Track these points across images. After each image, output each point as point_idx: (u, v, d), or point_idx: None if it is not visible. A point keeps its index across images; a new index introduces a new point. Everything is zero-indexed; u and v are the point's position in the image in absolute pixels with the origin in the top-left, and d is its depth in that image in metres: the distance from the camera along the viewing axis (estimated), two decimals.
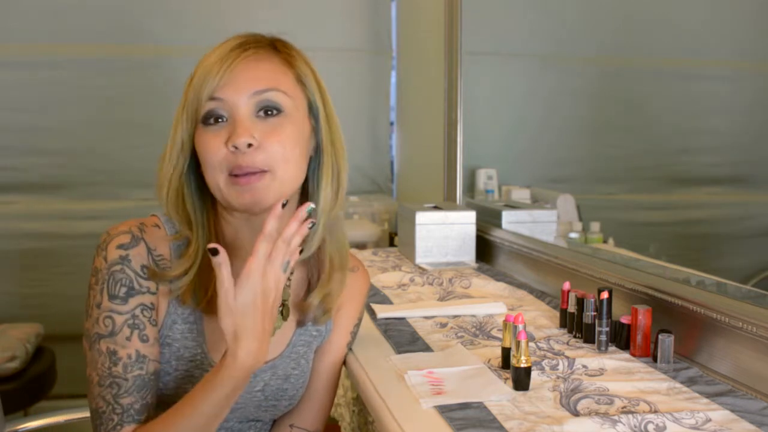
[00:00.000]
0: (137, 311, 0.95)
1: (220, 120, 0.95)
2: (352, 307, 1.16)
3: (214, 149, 0.94)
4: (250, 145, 0.93)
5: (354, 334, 1.18)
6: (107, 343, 0.94)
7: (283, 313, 1.06)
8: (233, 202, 0.95)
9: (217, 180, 0.95)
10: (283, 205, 0.91)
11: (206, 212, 1.01)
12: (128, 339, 0.94)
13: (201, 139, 0.96)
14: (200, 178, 1.00)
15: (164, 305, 0.99)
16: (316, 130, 1.02)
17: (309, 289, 1.09)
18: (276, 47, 1.00)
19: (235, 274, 1.03)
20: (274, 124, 0.96)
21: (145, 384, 0.95)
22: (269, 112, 0.96)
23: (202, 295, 0.98)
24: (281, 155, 0.95)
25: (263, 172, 0.94)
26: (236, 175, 0.94)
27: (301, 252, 1.06)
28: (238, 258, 1.03)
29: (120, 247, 0.96)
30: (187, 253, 0.98)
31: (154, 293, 0.97)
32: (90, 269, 0.98)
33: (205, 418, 0.91)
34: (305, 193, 1.04)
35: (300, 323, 1.09)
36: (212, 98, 0.94)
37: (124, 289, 0.95)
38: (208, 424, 0.92)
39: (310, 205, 0.93)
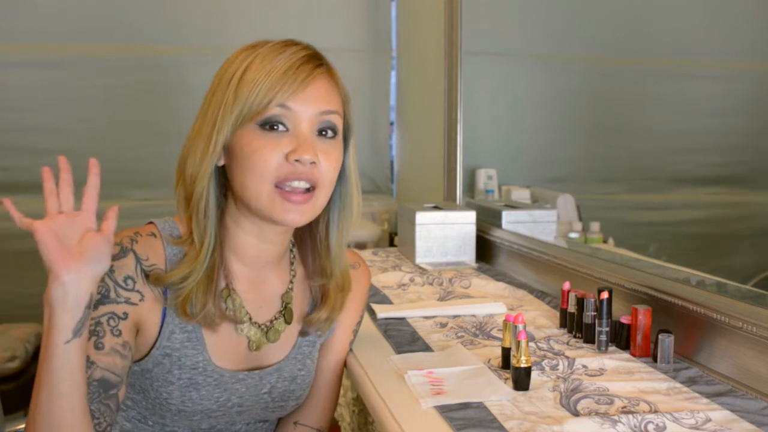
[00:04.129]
0: (103, 318, 0.94)
1: (276, 127, 0.95)
2: (355, 305, 1.16)
3: (270, 156, 0.93)
4: (312, 162, 0.94)
5: (356, 332, 1.18)
6: None
7: (286, 317, 1.07)
8: (274, 215, 0.95)
9: (261, 187, 0.94)
10: None
11: (219, 212, 1.00)
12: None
13: (253, 143, 0.94)
14: (217, 175, 0.99)
15: (156, 315, 0.98)
16: (345, 152, 1.03)
17: (314, 304, 1.10)
18: (327, 66, 1.01)
19: (244, 283, 1.04)
20: (329, 146, 0.98)
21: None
22: (324, 133, 0.97)
23: (198, 309, 0.97)
24: (329, 178, 0.98)
25: (310, 192, 0.95)
26: (287, 190, 0.94)
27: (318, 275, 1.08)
28: (244, 266, 1.04)
29: None
30: (188, 257, 0.97)
31: (134, 304, 0.96)
32: None
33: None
34: (323, 213, 1.05)
35: (304, 334, 1.09)
36: (282, 105, 0.94)
37: (97, 297, 0.93)
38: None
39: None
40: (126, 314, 0.95)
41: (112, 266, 0.94)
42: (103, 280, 0.94)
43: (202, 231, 0.98)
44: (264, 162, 0.93)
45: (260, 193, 0.95)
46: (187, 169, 0.98)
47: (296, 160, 0.93)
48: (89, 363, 0.94)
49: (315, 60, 0.98)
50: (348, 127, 1.03)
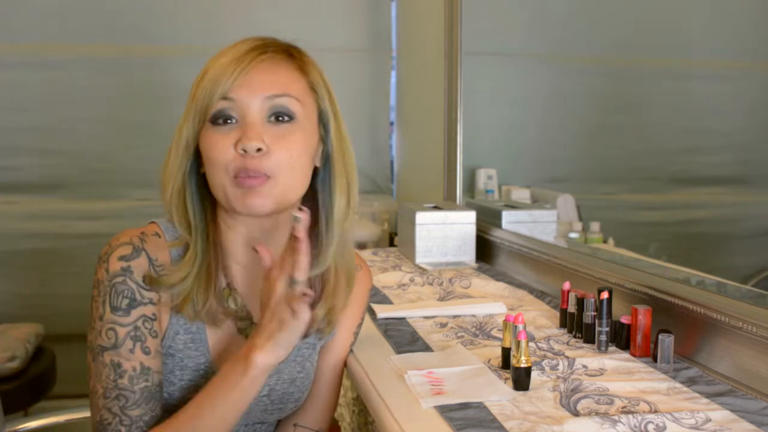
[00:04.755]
0: (139, 323, 0.94)
1: (229, 121, 0.95)
2: (356, 307, 1.15)
3: (222, 150, 0.93)
4: (259, 150, 0.93)
5: (356, 334, 1.18)
6: (111, 355, 0.93)
7: None
8: (236, 205, 0.95)
9: (222, 181, 0.94)
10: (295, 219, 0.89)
11: (205, 216, 1.00)
12: (131, 351, 0.93)
13: (209, 139, 0.95)
14: (201, 179, 1.00)
15: (166, 315, 0.98)
16: (325, 139, 1.02)
17: (313, 301, 1.09)
18: (291, 53, 1.00)
19: (243, 283, 1.04)
20: (284, 131, 0.96)
21: (153, 396, 0.95)
22: (280, 118, 0.96)
23: (201, 306, 0.97)
24: (287, 162, 0.95)
25: (266, 177, 0.94)
26: (240, 178, 0.93)
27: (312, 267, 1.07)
28: (241, 267, 1.03)
29: (122, 258, 0.95)
30: (185, 259, 0.98)
31: (155, 304, 0.96)
32: (91, 272, 0.97)
33: (220, 420, 0.92)
34: (315, 205, 1.04)
35: (303, 335, 1.08)
36: (224, 98, 0.94)
37: (126, 301, 0.94)
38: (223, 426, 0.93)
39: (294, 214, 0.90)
40: (154, 315, 0.96)
41: (129, 266, 0.95)
42: (125, 283, 0.94)
43: (187, 234, 0.99)
44: (219, 156, 0.94)
45: (223, 187, 0.95)
46: (163, 179, 0.99)
47: (244, 150, 0.92)
48: (145, 369, 0.94)
49: (259, 49, 0.97)
50: (324, 114, 1.01)
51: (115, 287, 0.94)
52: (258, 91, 0.95)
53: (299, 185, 0.99)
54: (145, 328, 0.95)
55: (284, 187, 0.96)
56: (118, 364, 0.93)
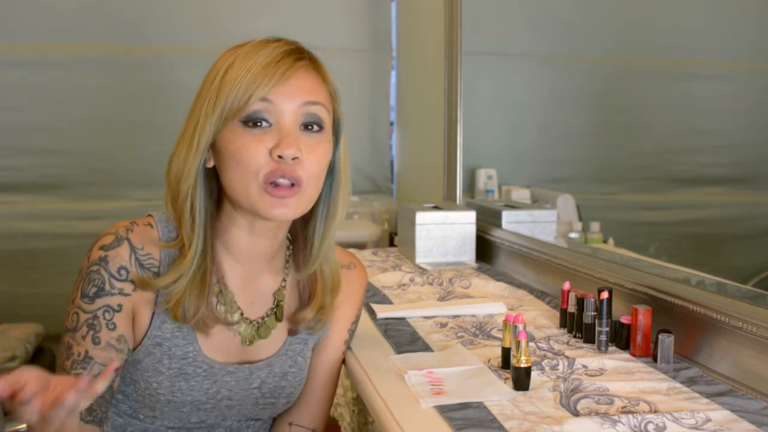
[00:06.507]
0: (99, 312, 0.96)
1: (259, 124, 0.94)
2: (350, 305, 1.16)
3: (254, 153, 0.93)
4: (295, 158, 0.94)
5: (352, 332, 1.18)
6: (69, 337, 0.97)
7: (277, 314, 1.07)
8: (261, 211, 0.95)
9: (248, 184, 0.94)
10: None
11: (206, 214, 1.00)
12: (83, 338, 0.96)
13: (239, 140, 0.94)
14: (207, 173, 1.00)
15: (149, 306, 0.99)
16: (335, 148, 1.03)
17: (301, 303, 1.09)
18: (315, 59, 1.01)
19: (237, 279, 1.04)
20: (314, 140, 0.97)
21: None
22: (309, 127, 0.97)
23: (192, 313, 0.97)
24: (315, 173, 0.97)
25: (296, 186, 0.95)
26: (273, 185, 0.93)
27: (300, 271, 1.08)
28: (236, 262, 1.04)
29: (102, 248, 0.97)
30: (180, 259, 0.97)
31: (127, 295, 0.97)
32: None
33: None
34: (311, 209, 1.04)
35: (292, 333, 1.09)
36: (264, 99, 0.94)
37: (94, 290, 0.96)
38: None
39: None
40: (120, 306, 0.97)
41: (106, 256, 0.96)
42: (98, 272, 0.96)
43: (190, 232, 0.98)
44: (249, 159, 0.93)
45: (248, 191, 0.95)
46: (172, 170, 0.98)
47: (279, 156, 0.93)
48: (87, 358, 0.96)
49: (296, 53, 0.97)
50: (337, 123, 1.03)
51: (90, 275, 0.96)
52: (295, 97, 0.95)
53: (316, 195, 1.00)
54: (104, 318, 0.96)
55: (309, 198, 0.98)
56: (70, 347, 0.97)
